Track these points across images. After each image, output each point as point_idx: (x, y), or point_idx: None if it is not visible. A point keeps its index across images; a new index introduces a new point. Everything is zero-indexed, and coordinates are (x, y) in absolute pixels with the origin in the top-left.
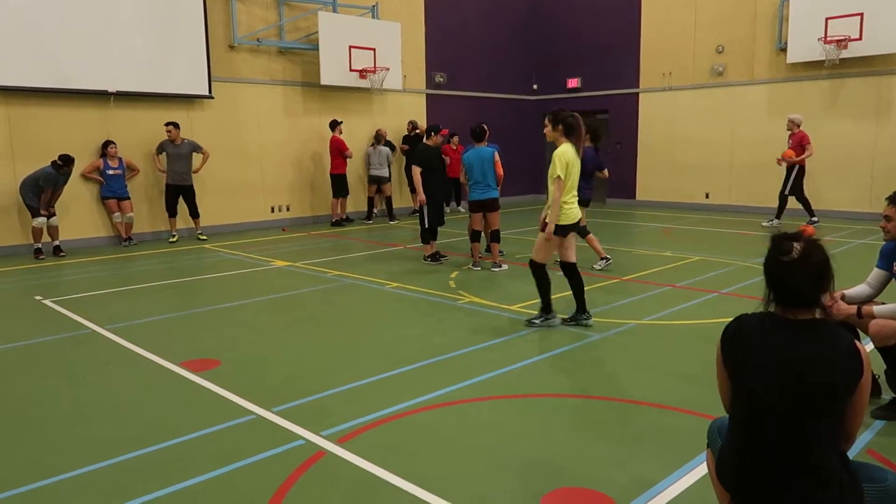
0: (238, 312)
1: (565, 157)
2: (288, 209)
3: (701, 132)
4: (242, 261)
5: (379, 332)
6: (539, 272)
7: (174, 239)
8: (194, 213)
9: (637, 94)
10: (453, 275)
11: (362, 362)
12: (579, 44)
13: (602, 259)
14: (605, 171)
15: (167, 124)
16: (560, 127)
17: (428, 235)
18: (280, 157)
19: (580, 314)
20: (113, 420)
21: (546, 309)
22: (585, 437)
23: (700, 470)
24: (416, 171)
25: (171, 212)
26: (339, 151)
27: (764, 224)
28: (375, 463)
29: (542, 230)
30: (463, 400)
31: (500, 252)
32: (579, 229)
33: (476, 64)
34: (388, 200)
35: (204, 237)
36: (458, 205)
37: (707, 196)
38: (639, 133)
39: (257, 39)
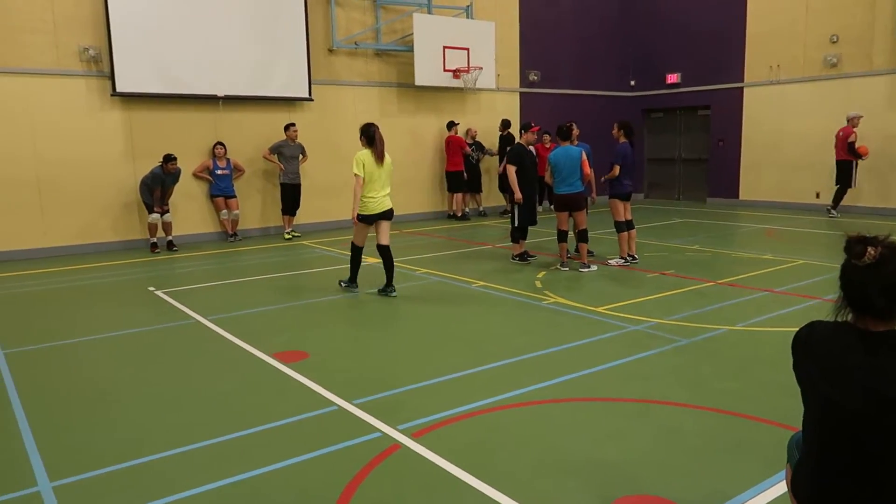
0: (329, 308)
1: (361, 159)
2: None
3: (811, 128)
4: (337, 257)
5: (463, 330)
6: (354, 252)
7: (289, 236)
8: (295, 211)
9: (741, 88)
10: (540, 275)
11: (443, 359)
12: (679, 37)
13: (622, 258)
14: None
15: (288, 126)
16: (362, 137)
17: (518, 234)
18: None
19: (388, 287)
20: (208, 405)
21: (352, 280)
22: (662, 444)
23: (780, 486)
24: (511, 169)
25: (289, 210)
26: (459, 148)
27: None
28: (448, 459)
29: None
30: (541, 401)
31: (588, 252)
32: (626, 223)
33: (571, 61)
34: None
35: (297, 234)
36: (541, 205)
37: (817, 196)
38: (742, 129)
39: (355, 43)
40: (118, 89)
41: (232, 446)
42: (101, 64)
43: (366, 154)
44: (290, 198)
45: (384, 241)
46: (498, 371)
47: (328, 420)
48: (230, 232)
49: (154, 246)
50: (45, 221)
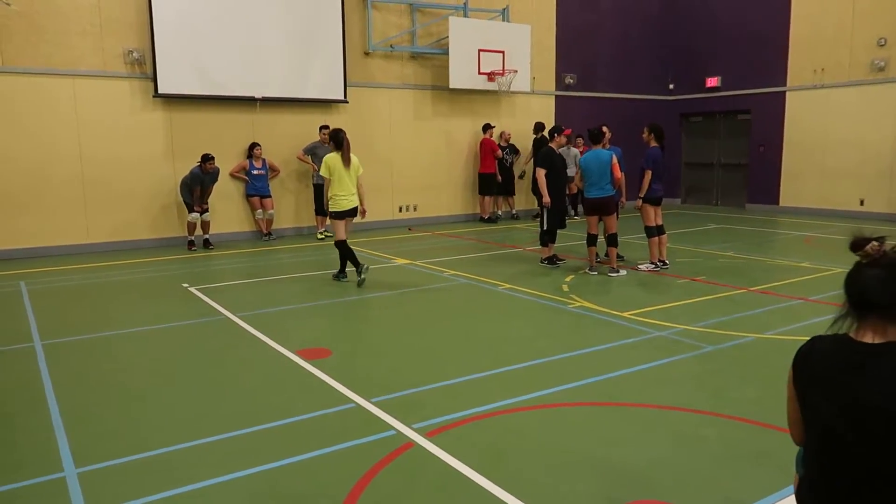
0: (355, 306)
1: (329, 163)
2: (415, 209)
3: (857, 133)
4: (367, 257)
5: (485, 332)
6: (340, 246)
7: (321, 236)
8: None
9: (784, 92)
10: (568, 279)
11: (464, 360)
12: (720, 40)
13: (652, 263)
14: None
15: (322, 127)
16: (331, 143)
17: (546, 237)
18: (409, 158)
19: (340, 273)
20: (231, 399)
21: (342, 271)
22: (681, 451)
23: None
24: (541, 173)
25: (322, 210)
26: (490, 151)
27: None
28: (460, 459)
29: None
30: (560, 403)
31: (619, 257)
32: (656, 228)
33: (608, 64)
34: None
35: (330, 234)
36: (575, 211)
37: (862, 203)
38: (784, 134)
39: (391, 45)
40: (160, 91)
41: (251, 439)
42: (145, 66)
43: (335, 158)
44: (323, 198)
45: (342, 236)
46: (517, 373)
47: (346, 417)
48: (265, 231)
49: (191, 244)
50: (87, 218)
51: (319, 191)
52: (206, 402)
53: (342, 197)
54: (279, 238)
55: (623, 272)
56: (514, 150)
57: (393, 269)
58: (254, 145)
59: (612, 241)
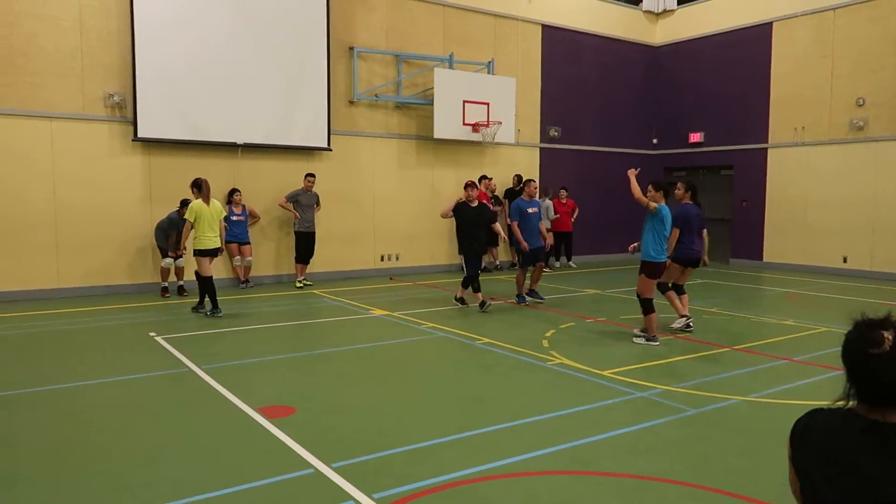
0: (326, 360)
1: (193, 208)
2: (398, 258)
3: (838, 191)
4: (344, 307)
5: (458, 390)
6: (205, 281)
7: (300, 284)
8: (308, 260)
9: (765, 149)
10: (549, 333)
11: (434, 420)
12: (703, 97)
13: (682, 317)
14: (704, 232)
15: (308, 175)
16: (194, 189)
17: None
18: (392, 207)
19: (214, 309)
20: (183, 461)
21: (206, 304)
22: None
23: None
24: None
25: (302, 258)
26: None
27: None
28: None
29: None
30: (532, 472)
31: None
32: (675, 287)
33: (593, 117)
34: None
35: (309, 283)
36: (570, 260)
37: (845, 260)
38: (767, 190)
39: (376, 95)
40: (140, 134)
41: None
42: (125, 110)
43: (198, 203)
44: (304, 246)
45: (207, 273)
46: (490, 436)
47: (301, 484)
48: (242, 278)
49: (165, 290)
50: (59, 262)
51: (301, 238)
52: (152, 467)
53: (206, 237)
54: (257, 286)
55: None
56: (498, 201)
57: (370, 321)
58: (233, 191)
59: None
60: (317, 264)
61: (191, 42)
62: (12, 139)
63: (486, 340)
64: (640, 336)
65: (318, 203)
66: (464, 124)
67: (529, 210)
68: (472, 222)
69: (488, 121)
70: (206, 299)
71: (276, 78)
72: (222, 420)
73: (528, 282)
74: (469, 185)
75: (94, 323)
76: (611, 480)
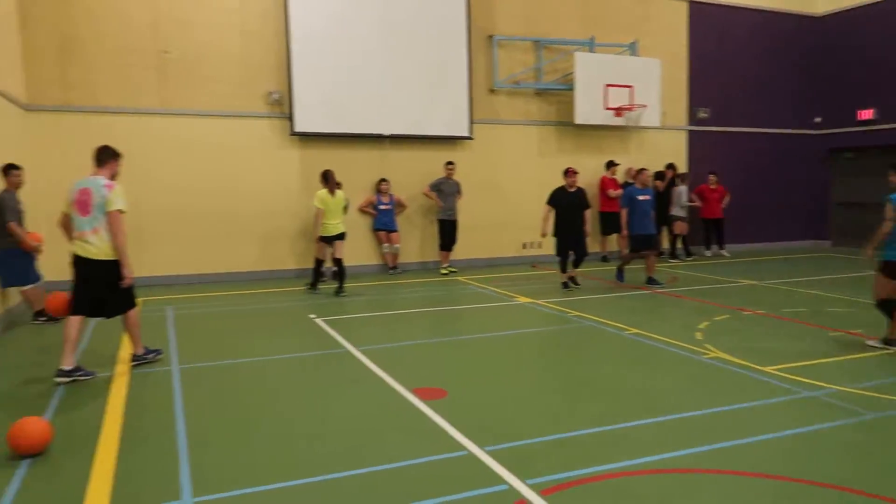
0: (474, 346)
1: (319, 196)
2: (540, 245)
3: None
4: (489, 295)
5: (607, 381)
6: (316, 263)
7: (445, 271)
8: (452, 247)
9: None
10: (702, 325)
11: (584, 411)
12: (874, 70)
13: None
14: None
15: (447, 163)
16: (322, 180)
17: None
18: (533, 194)
19: (339, 291)
20: (341, 437)
21: (314, 285)
22: None
23: None
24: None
25: (446, 245)
26: (602, 190)
27: None
28: None
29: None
30: (688, 469)
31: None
32: None
33: (746, 97)
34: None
35: (454, 270)
36: (722, 248)
37: None
38: None
39: (516, 82)
40: (296, 129)
41: (356, 482)
42: (283, 106)
43: (324, 192)
44: (448, 233)
45: (339, 255)
46: (642, 430)
47: (457, 465)
48: (390, 265)
49: (322, 275)
50: (229, 249)
51: (444, 226)
52: (318, 439)
53: (329, 224)
54: (404, 272)
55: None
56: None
57: (515, 308)
58: (381, 181)
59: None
60: (460, 251)
61: (340, 40)
62: (189, 138)
63: (636, 331)
64: (877, 344)
65: (459, 191)
66: (605, 109)
67: (640, 197)
68: (567, 208)
69: (632, 104)
70: (322, 282)
71: (420, 70)
72: (379, 399)
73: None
74: (568, 172)
75: (260, 305)
76: (778, 484)
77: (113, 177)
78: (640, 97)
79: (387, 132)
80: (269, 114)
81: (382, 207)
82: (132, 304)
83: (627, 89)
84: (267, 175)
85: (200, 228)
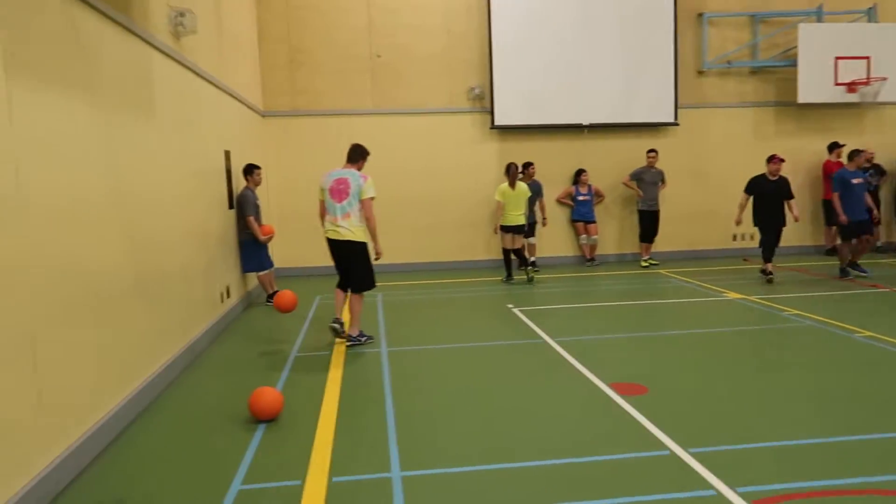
0: (677, 342)
1: (500, 189)
2: (752, 238)
3: None
4: (693, 289)
5: (833, 388)
6: (504, 254)
7: (646, 263)
8: (653, 239)
9: None
10: None
11: (805, 419)
12: None
13: None
14: None
15: (649, 151)
16: (506, 174)
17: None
18: (745, 182)
19: (521, 266)
20: (542, 426)
21: (509, 276)
22: None
23: None
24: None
25: (646, 237)
26: (826, 176)
27: None
28: None
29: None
30: None
31: None
32: None
33: None
34: None
35: (655, 262)
36: None
37: None
38: None
39: (728, 62)
40: (496, 122)
41: (553, 472)
42: (484, 101)
43: (504, 185)
44: (648, 224)
45: (517, 245)
46: (875, 445)
47: (658, 464)
48: (588, 256)
49: (532, 263)
50: (432, 239)
51: (644, 217)
52: (516, 425)
53: (509, 215)
54: (602, 264)
55: None
56: (880, 171)
57: (723, 304)
58: (580, 171)
59: None
60: (662, 243)
61: (539, 32)
62: (397, 135)
63: (868, 334)
64: None
65: (662, 180)
66: (835, 84)
67: (854, 181)
68: (769, 196)
69: (868, 78)
70: (520, 268)
71: (621, 56)
72: (577, 391)
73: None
74: (774, 159)
75: (461, 294)
76: None
77: (360, 170)
78: (878, 69)
79: (586, 122)
80: (470, 109)
81: (581, 198)
82: (371, 285)
83: (863, 61)
84: (468, 169)
85: (407, 221)
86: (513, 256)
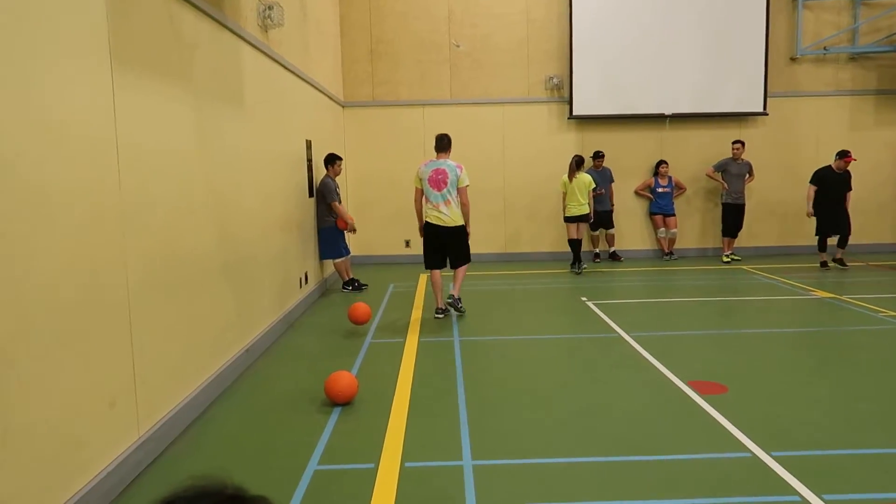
0: (759, 340)
1: (562, 180)
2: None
3: None
4: (778, 286)
5: None
6: (571, 243)
7: (727, 259)
8: (737, 233)
9: None
10: None
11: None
12: None
13: None
14: None
15: (735, 142)
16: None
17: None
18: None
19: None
20: (616, 421)
21: (575, 263)
22: None
23: None
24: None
25: (729, 231)
26: None
27: None
28: None
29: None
30: None
31: None
32: None
33: None
34: None
35: (737, 258)
36: None
37: None
38: None
39: (824, 48)
40: (574, 113)
41: (630, 469)
42: (563, 91)
43: (564, 177)
44: (733, 218)
45: (580, 235)
46: None
47: (738, 467)
48: (666, 250)
49: (596, 256)
50: (506, 229)
51: (728, 210)
52: (589, 420)
53: (571, 205)
54: (680, 258)
55: None
56: None
57: (809, 303)
58: (660, 163)
59: None
60: (746, 239)
61: (623, 20)
62: (474, 126)
63: None
64: None
65: (750, 172)
66: None
67: None
68: (833, 187)
69: None
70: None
71: (706, 44)
72: (653, 388)
73: None
74: (846, 156)
75: (535, 285)
76: None
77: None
78: None
79: (668, 112)
80: (548, 99)
81: (660, 190)
82: (469, 259)
83: None
84: (545, 159)
85: (483, 211)
86: (607, 250)
